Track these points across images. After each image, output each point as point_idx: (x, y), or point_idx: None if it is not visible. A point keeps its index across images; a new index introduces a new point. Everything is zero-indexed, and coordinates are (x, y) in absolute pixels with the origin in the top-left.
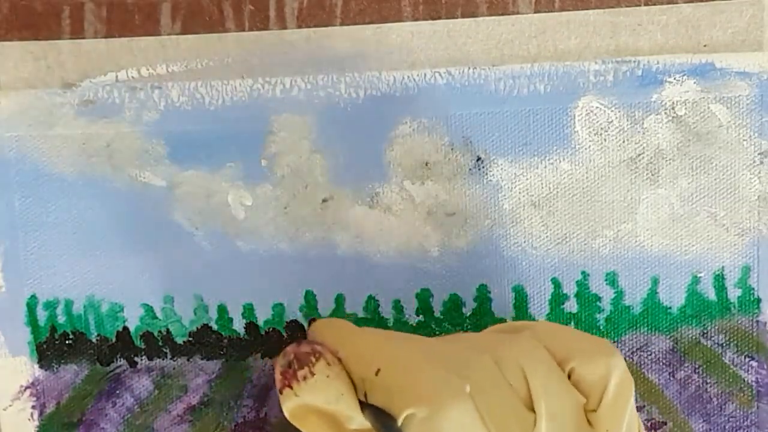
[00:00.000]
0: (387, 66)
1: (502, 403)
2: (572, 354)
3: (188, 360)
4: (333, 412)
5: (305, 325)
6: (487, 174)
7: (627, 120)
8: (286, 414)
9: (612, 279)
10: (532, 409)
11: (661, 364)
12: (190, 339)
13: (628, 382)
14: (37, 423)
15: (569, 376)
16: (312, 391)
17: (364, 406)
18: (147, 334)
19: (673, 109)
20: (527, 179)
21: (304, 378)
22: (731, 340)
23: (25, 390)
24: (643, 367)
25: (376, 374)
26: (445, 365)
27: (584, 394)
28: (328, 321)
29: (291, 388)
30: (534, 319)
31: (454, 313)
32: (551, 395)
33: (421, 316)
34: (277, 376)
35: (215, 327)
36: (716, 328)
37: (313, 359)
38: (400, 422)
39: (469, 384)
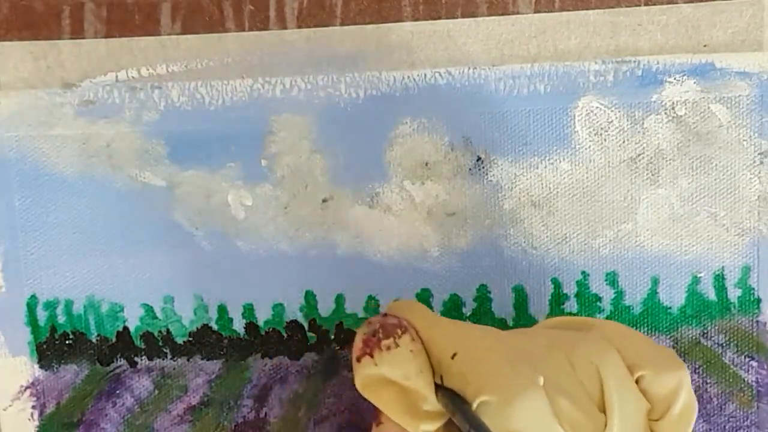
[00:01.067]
0: (387, 66)
1: (574, 400)
2: (644, 362)
3: (188, 360)
4: (409, 388)
5: (305, 325)
6: (487, 174)
7: (627, 120)
8: (359, 383)
9: (612, 279)
10: (602, 410)
11: None
12: (190, 339)
13: (694, 401)
14: (37, 423)
15: (637, 382)
16: (394, 362)
17: (439, 388)
18: (147, 334)
19: (673, 109)
20: (527, 179)
21: (388, 348)
22: (731, 340)
23: (25, 390)
24: None
25: (452, 358)
26: (519, 357)
27: (649, 402)
28: (406, 303)
29: (371, 356)
30: (534, 319)
31: (454, 313)
32: (624, 400)
33: None
34: (358, 344)
35: (215, 327)
36: (716, 328)
37: (399, 331)
38: (474, 407)
39: (542, 377)
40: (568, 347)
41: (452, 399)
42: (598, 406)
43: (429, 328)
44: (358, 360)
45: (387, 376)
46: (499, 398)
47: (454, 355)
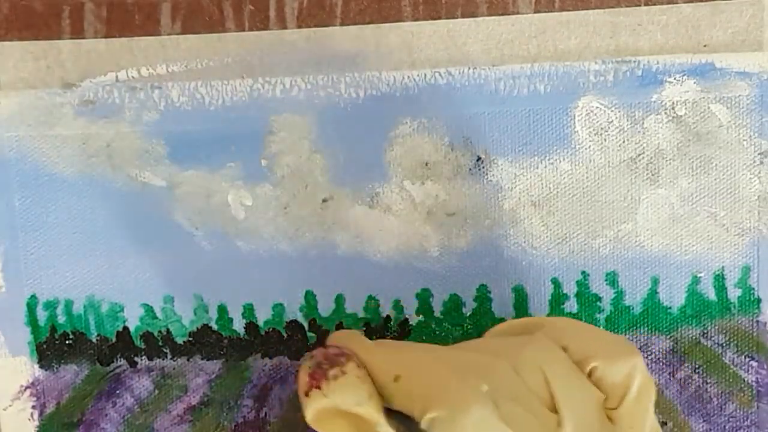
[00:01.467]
0: (387, 66)
1: (522, 405)
2: (594, 353)
3: (188, 360)
4: (360, 415)
5: (305, 325)
6: (487, 174)
7: (627, 120)
8: (310, 417)
9: (612, 279)
10: (555, 410)
11: (661, 364)
12: (190, 339)
13: (650, 382)
14: (37, 423)
15: (589, 375)
16: (344, 390)
17: (389, 412)
18: (147, 334)
19: (673, 109)
20: (527, 179)
21: (335, 377)
22: (731, 340)
23: (25, 390)
24: None
25: (395, 381)
26: (461, 369)
27: (605, 392)
28: (343, 333)
29: (319, 388)
30: None
31: (454, 313)
32: (573, 396)
33: (421, 316)
34: (303, 378)
35: (215, 327)
36: (716, 328)
37: (344, 359)
38: (423, 426)
39: (486, 386)
40: (511, 354)
41: (403, 421)
42: (549, 408)
43: (369, 354)
44: (307, 394)
45: (338, 405)
46: (447, 412)
47: (397, 377)
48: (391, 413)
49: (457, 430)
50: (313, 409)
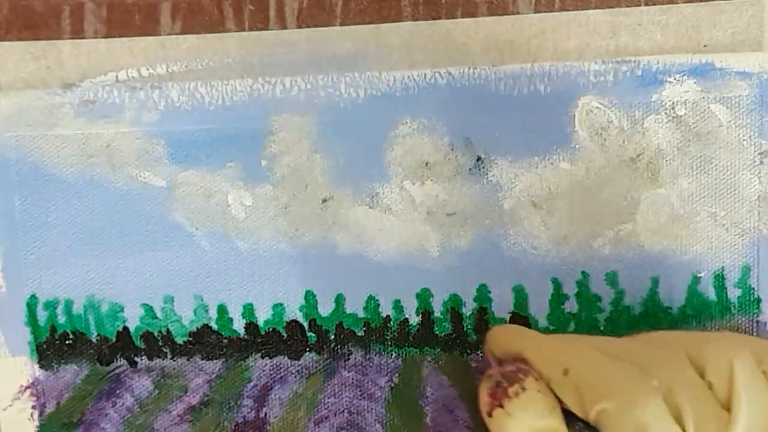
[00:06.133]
0: (387, 66)
1: (693, 401)
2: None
3: (188, 360)
4: (544, 429)
5: (305, 325)
6: (487, 174)
7: (627, 120)
8: None
9: (612, 279)
10: (727, 408)
11: None
12: (190, 339)
13: None
14: (37, 423)
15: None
16: (526, 406)
17: (570, 422)
18: (147, 334)
19: (673, 109)
20: (527, 179)
21: (516, 394)
22: None
23: (25, 390)
24: None
25: (564, 374)
26: (632, 362)
27: None
28: (506, 327)
29: (502, 407)
30: (535, 319)
31: (454, 313)
32: (755, 397)
33: (421, 316)
34: (484, 399)
35: (215, 327)
36: (716, 328)
37: (522, 375)
38: (591, 417)
39: (656, 380)
40: (692, 348)
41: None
42: (724, 405)
43: (537, 348)
44: (489, 414)
45: (522, 421)
46: (617, 404)
47: (566, 370)
48: (578, 423)
49: (625, 423)
50: (498, 428)
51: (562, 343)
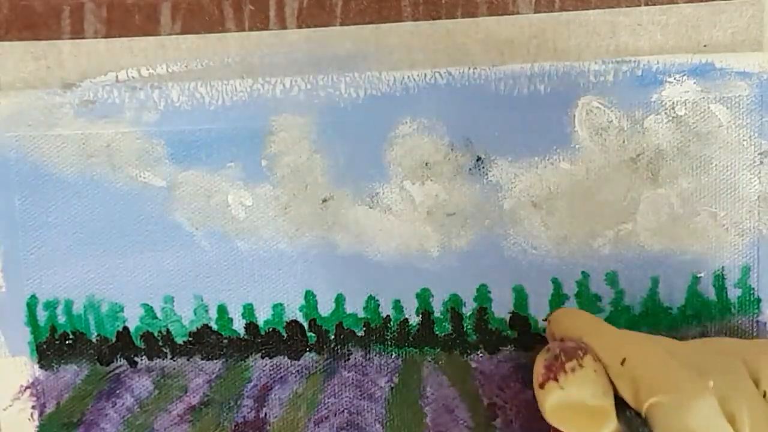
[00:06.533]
0: (387, 66)
1: (747, 407)
2: None
3: (188, 360)
4: (593, 408)
5: (305, 325)
6: (487, 174)
7: (627, 120)
8: (546, 409)
9: (612, 279)
10: None
11: None
12: (190, 339)
13: None
14: (37, 423)
15: None
16: (580, 383)
17: (621, 409)
18: (147, 334)
19: (673, 109)
20: (527, 179)
21: (573, 370)
22: None
23: (25, 390)
24: None
25: (622, 363)
26: (688, 362)
27: None
28: (570, 310)
29: (556, 380)
30: (535, 319)
31: (454, 313)
32: None
33: (420, 316)
34: (540, 370)
35: (215, 327)
36: (716, 328)
37: (581, 353)
38: (644, 409)
39: (712, 381)
40: (749, 355)
41: (632, 424)
42: None
43: (598, 334)
44: (542, 386)
45: (574, 397)
46: (672, 399)
47: (624, 360)
48: (623, 415)
49: (678, 419)
50: (548, 400)
51: (622, 332)
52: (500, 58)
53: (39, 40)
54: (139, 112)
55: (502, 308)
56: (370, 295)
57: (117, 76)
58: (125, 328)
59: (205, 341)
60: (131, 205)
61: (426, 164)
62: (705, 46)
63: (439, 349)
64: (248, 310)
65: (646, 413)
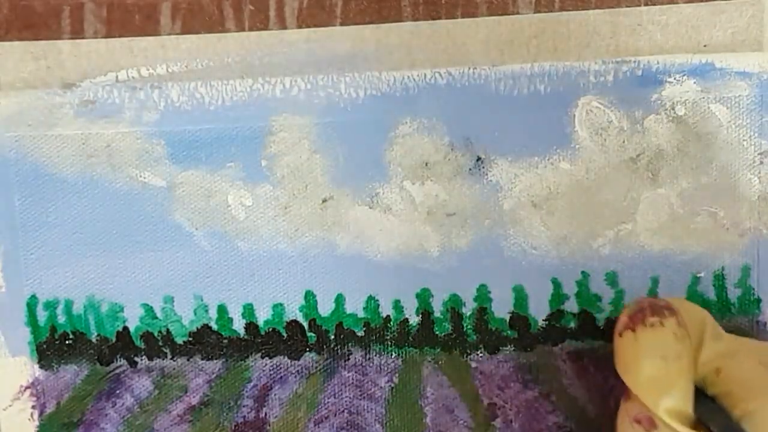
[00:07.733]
0: (387, 66)
1: None
2: None
3: (188, 360)
4: (661, 373)
5: (305, 325)
6: (487, 174)
7: (627, 120)
8: (617, 356)
9: (612, 279)
10: None
11: None
12: (190, 339)
13: None
14: (37, 423)
15: None
16: (655, 340)
17: (698, 400)
18: (147, 334)
19: (673, 109)
20: (527, 179)
21: (652, 325)
22: None
23: (25, 390)
24: None
25: (717, 375)
26: None
27: None
28: (692, 304)
29: (634, 331)
30: (535, 320)
31: (454, 313)
32: None
33: (420, 316)
34: (623, 320)
35: (215, 327)
36: None
37: (667, 313)
38: (738, 413)
39: None
40: None
41: (713, 413)
42: None
43: (705, 337)
44: (620, 335)
45: (645, 351)
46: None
47: (719, 370)
48: (703, 402)
49: None
50: (621, 349)
51: (728, 341)
52: (500, 58)
53: (39, 40)
54: (139, 112)
55: (502, 308)
56: (370, 295)
57: (117, 76)
58: (125, 328)
59: (205, 341)
60: (131, 205)
61: (426, 164)
62: (705, 46)
63: (439, 349)
64: (248, 310)
65: (740, 419)
